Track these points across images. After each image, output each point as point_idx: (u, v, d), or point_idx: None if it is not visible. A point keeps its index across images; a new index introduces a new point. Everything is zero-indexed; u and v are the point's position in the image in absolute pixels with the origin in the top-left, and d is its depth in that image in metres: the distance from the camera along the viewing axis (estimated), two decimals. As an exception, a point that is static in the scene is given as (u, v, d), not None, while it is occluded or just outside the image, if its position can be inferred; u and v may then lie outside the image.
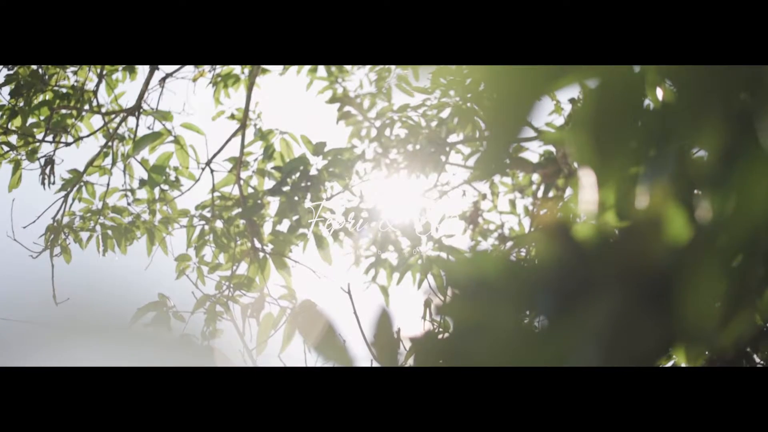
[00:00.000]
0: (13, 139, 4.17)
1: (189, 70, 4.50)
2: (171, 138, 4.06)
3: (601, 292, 0.47)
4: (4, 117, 4.13)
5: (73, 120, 4.27)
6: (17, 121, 4.13)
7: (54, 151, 4.20)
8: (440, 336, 0.56)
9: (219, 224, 4.18)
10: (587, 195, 0.55)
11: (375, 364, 0.65)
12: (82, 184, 4.25)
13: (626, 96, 0.54)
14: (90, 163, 4.27)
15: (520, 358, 0.49)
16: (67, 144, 4.24)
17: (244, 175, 4.18)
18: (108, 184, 4.29)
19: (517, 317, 0.49)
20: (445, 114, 4.37)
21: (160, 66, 4.14)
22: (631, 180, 0.52)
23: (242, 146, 4.18)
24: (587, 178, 0.55)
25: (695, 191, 0.49)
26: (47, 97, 4.22)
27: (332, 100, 4.85)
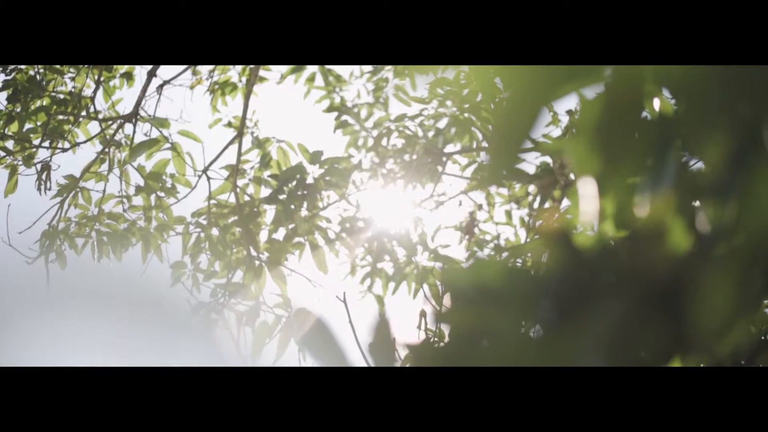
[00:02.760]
0: (9, 144, 4.16)
1: (186, 77, 4.50)
2: (168, 145, 4.05)
3: (603, 301, 0.47)
4: (1, 122, 4.12)
5: (70, 126, 4.27)
6: (14, 127, 4.13)
7: (50, 156, 4.19)
8: (437, 344, 0.56)
9: (215, 232, 4.17)
10: (588, 204, 0.55)
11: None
12: (78, 190, 4.25)
13: (629, 104, 0.54)
14: (86, 170, 4.26)
15: (520, 366, 0.49)
16: (64, 150, 4.24)
17: (240, 183, 4.18)
18: (104, 191, 4.29)
19: (517, 325, 0.49)
20: (442, 124, 4.37)
21: (157, 73, 4.14)
22: (632, 189, 0.52)
23: (239, 154, 4.18)
24: (588, 187, 0.55)
25: (697, 200, 0.49)
26: (44, 103, 4.22)
27: (329, 109, 4.85)
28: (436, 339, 0.57)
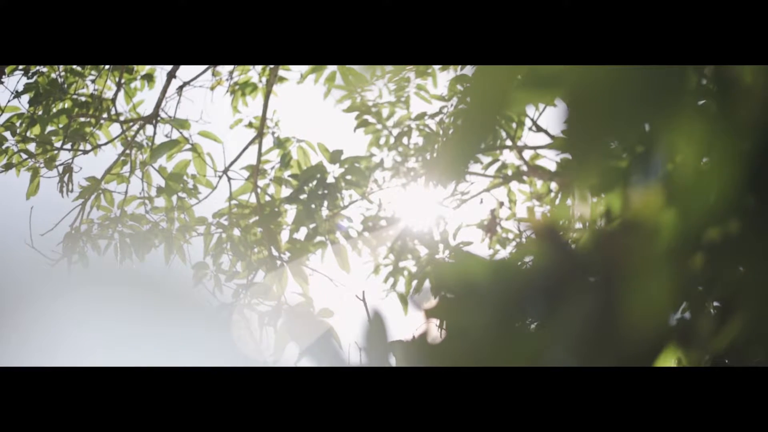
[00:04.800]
0: (31, 146, 4.19)
1: (207, 78, 4.51)
2: (188, 146, 4.07)
3: (585, 295, 0.46)
4: (23, 125, 4.15)
5: (92, 128, 4.29)
6: (36, 129, 4.16)
7: (72, 158, 4.22)
8: (434, 339, 0.56)
9: (236, 232, 4.18)
10: (577, 199, 0.54)
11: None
12: (100, 191, 4.27)
13: (596, 103, 0.53)
14: (108, 171, 4.28)
15: (502, 359, 0.48)
16: (85, 152, 4.27)
17: (261, 183, 4.19)
18: (126, 192, 4.31)
19: (502, 320, 0.48)
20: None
21: (177, 74, 4.15)
22: (609, 184, 0.51)
23: (259, 154, 4.18)
24: (579, 182, 0.55)
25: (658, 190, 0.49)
26: (66, 106, 4.25)
27: (350, 109, 4.85)
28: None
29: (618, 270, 0.44)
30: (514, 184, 4.58)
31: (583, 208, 0.53)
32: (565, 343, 0.46)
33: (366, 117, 4.73)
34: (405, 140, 4.59)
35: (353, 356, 0.67)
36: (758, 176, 0.42)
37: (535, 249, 0.48)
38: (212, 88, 4.57)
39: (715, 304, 0.49)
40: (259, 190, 4.15)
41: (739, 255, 0.44)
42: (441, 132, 4.40)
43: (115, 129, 4.39)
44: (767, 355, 0.47)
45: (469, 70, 0.67)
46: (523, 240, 4.56)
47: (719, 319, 0.48)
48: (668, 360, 0.51)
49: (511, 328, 0.47)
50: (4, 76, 4.05)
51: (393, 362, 0.60)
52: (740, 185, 0.42)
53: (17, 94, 4.13)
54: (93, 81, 4.32)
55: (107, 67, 4.28)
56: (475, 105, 0.53)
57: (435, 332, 0.55)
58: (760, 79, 0.46)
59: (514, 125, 4.26)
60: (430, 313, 0.52)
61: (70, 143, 4.20)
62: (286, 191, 4.17)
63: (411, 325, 0.63)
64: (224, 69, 4.60)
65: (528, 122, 4.13)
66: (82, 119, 4.25)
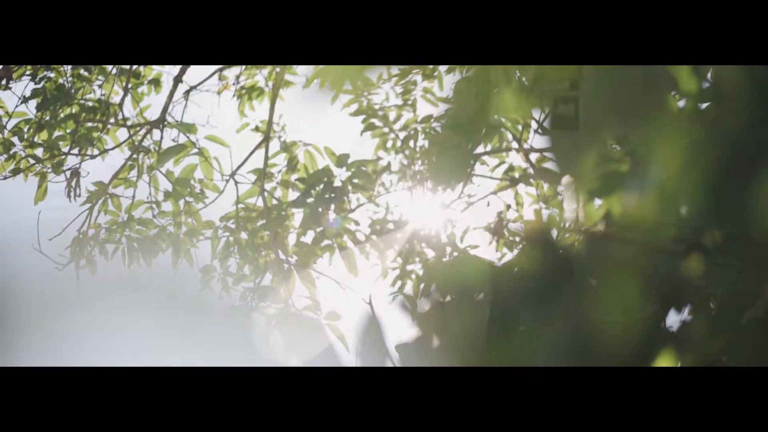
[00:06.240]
0: (39, 152, 4.20)
1: (213, 82, 4.51)
2: (195, 150, 4.07)
3: (577, 297, 0.46)
4: (31, 130, 4.16)
5: (99, 133, 4.30)
6: (43, 135, 4.17)
7: (79, 163, 4.23)
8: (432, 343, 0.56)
9: (243, 236, 4.19)
10: (571, 203, 0.54)
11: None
12: (107, 196, 4.27)
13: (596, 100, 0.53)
14: (115, 176, 4.29)
15: (490, 362, 0.49)
16: (93, 157, 4.27)
17: (268, 186, 4.19)
18: (133, 197, 4.31)
19: (496, 323, 0.48)
20: (469, 125, 4.34)
21: (184, 79, 4.16)
22: (604, 189, 0.52)
23: (266, 158, 4.19)
24: (572, 186, 0.55)
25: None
26: (73, 111, 4.25)
27: (357, 113, 4.84)
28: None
29: (602, 272, 0.44)
30: (521, 187, 4.58)
31: (575, 211, 0.53)
32: (550, 346, 0.46)
33: (372, 120, 4.72)
34: (411, 143, 4.59)
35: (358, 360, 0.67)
36: (738, 179, 0.42)
37: (529, 252, 0.48)
38: (219, 93, 4.57)
39: (706, 307, 0.49)
40: (266, 194, 4.16)
41: (721, 258, 0.44)
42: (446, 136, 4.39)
43: (123, 134, 4.39)
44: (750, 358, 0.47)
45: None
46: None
47: (709, 322, 0.48)
48: (657, 362, 0.51)
49: (501, 330, 0.48)
50: (11, 82, 4.07)
51: (389, 364, 0.60)
52: (720, 188, 0.42)
53: (25, 100, 4.14)
54: (100, 86, 4.32)
55: (114, 71, 4.29)
56: (460, 106, 0.54)
57: (433, 336, 0.55)
58: (742, 82, 0.46)
59: (520, 127, 4.26)
60: (424, 317, 0.52)
61: (77, 148, 4.21)
62: (293, 195, 4.18)
63: (415, 328, 0.63)
64: (231, 73, 4.61)
65: (534, 125, 4.12)
66: (90, 124, 4.26)
